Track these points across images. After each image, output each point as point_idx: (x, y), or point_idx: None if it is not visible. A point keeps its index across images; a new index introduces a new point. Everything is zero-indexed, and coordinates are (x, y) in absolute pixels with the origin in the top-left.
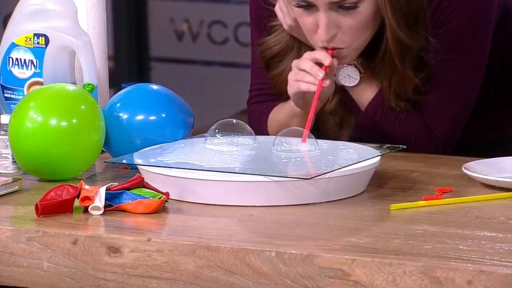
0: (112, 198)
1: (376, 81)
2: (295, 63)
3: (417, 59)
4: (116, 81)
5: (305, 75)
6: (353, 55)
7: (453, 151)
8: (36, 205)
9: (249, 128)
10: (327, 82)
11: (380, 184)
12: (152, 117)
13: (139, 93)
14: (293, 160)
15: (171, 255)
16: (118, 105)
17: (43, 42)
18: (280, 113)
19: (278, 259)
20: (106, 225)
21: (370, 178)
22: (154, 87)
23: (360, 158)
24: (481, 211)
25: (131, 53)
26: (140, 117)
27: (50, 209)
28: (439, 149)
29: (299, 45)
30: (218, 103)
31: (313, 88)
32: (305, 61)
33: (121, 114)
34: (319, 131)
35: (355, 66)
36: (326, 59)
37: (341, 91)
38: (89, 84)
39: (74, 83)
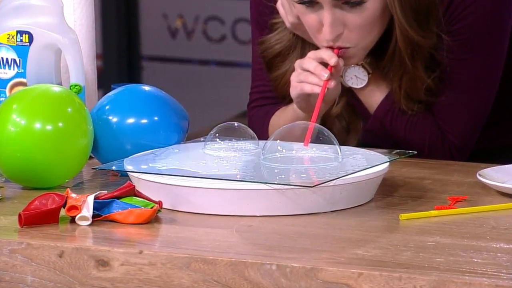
0: (100, 208)
1: (385, 82)
2: (298, 63)
3: (429, 58)
4: (105, 81)
5: (308, 76)
6: (361, 54)
7: (468, 157)
8: (19, 215)
9: (251, 132)
10: (332, 83)
11: (389, 193)
12: (144, 121)
13: (130, 94)
14: (294, 167)
15: (164, 268)
16: (107, 107)
17: (27, 40)
18: (282, 117)
19: (279, 272)
20: (94, 236)
21: (378, 186)
22: (146, 88)
23: (367, 164)
24: (497, 221)
25: (121, 52)
26: (130, 121)
27: (34, 219)
28: (454, 155)
29: (302, 44)
30: (215, 105)
31: (317, 89)
32: (309, 60)
33: (110, 117)
34: None
35: (363, 67)
36: (331, 58)
37: (348, 94)
38: (76, 85)
39: (60, 84)
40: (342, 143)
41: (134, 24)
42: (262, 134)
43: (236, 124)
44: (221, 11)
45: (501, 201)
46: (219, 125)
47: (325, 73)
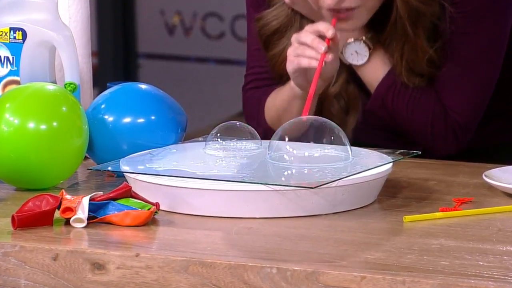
0: (96, 209)
1: (387, 57)
2: (295, 37)
3: (432, 29)
4: (100, 80)
5: (305, 49)
6: (365, 17)
7: (474, 157)
8: (13, 217)
9: (254, 131)
10: (329, 57)
11: (392, 194)
12: (140, 120)
13: (126, 93)
14: (294, 167)
15: (162, 272)
16: (102, 106)
17: (20, 37)
18: (279, 96)
19: (280, 276)
20: (90, 239)
21: (382, 187)
22: (143, 86)
23: (370, 164)
24: (503, 224)
25: (117, 49)
26: (127, 120)
27: (28, 221)
28: (458, 134)
29: (301, 20)
30: (213, 104)
31: (314, 63)
32: (306, 33)
33: (106, 117)
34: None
35: (364, 42)
36: (328, 30)
37: (347, 71)
38: (71, 84)
39: (54, 82)
40: (340, 124)
41: (130, 20)
42: (258, 116)
43: (238, 123)
44: (220, 7)
45: (507, 203)
46: (220, 124)
47: (322, 46)
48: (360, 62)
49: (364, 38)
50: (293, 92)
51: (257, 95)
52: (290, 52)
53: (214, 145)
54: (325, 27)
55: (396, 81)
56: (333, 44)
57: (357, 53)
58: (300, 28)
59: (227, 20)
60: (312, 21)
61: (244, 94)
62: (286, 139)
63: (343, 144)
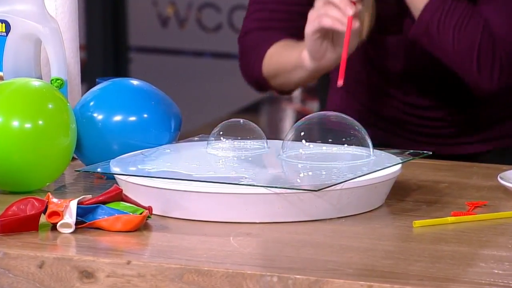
0: (84, 214)
1: None
2: None
3: None
4: (89, 75)
5: (330, 9)
6: None
7: (488, 158)
8: None
9: (259, 130)
10: (356, 24)
11: (401, 197)
12: (132, 118)
13: (117, 89)
14: (302, 167)
15: (155, 280)
16: (91, 103)
17: (3, 30)
18: (286, 54)
19: (281, 285)
20: (78, 245)
21: (390, 190)
22: (134, 82)
23: (378, 166)
24: None
25: (106, 42)
26: (117, 118)
27: (12, 227)
28: (504, 69)
29: None
30: (210, 101)
31: (338, 25)
32: None
33: (95, 115)
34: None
35: None
36: None
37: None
38: (57, 79)
39: (40, 77)
40: None
41: (121, 12)
42: (257, 57)
43: (241, 121)
44: None
45: None
46: (223, 122)
47: (350, 9)
48: None
49: None
50: (301, 61)
51: (262, 36)
52: (312, 14)
53: (217, 144)
54: None
55: (445, 3)
56: (357, 9)
57: None
58: None
59: (225, 11)
60: None
61: (244, 33)
62: (290, 138)
63: (358, 144)
